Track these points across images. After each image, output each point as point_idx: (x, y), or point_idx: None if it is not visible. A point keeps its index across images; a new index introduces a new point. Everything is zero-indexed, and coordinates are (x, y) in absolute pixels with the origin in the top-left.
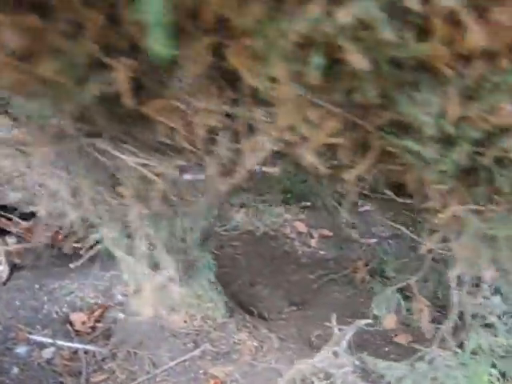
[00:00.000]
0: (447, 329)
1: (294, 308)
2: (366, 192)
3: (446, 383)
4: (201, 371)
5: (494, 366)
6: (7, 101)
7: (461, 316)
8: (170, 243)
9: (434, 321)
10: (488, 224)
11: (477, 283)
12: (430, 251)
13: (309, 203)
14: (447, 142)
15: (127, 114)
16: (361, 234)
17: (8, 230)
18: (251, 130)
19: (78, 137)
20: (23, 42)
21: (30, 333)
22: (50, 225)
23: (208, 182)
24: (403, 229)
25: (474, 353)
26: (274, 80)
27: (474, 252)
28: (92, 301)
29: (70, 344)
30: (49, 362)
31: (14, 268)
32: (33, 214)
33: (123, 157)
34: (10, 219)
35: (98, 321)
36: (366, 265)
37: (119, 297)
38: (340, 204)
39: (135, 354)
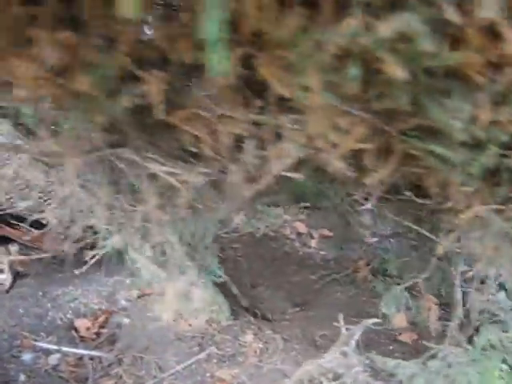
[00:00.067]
0: (455, 326)
1: (297, 309)
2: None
3: (458, 380)
4: (207, 374)
5: (504, 361)
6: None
7: (466, 313)
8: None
9: (438, 318)
10: (510, 223)
11: (482, 280)
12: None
13: (308, 204)
14: (476, 145)
15: (152, 124)
16: (362, 234)
17: (12, 238)
18: (277, 137)
19: (104, 147)
20: (61, 57)
21: (35, 340)
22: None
23: (232, 188)
24: (420, 229)
25: (483, 349)
26: (305, 89)
27: (496, 251)
28: (96, 307)
29: (75, 350)
30: (55, 368)
31: (16, 276)
32: (40, 223)
33: (148, 165)
34: (13, 227)
35: (102, 326)
36: (368, 264)
37: (123, 302)
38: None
39: (141, 358)
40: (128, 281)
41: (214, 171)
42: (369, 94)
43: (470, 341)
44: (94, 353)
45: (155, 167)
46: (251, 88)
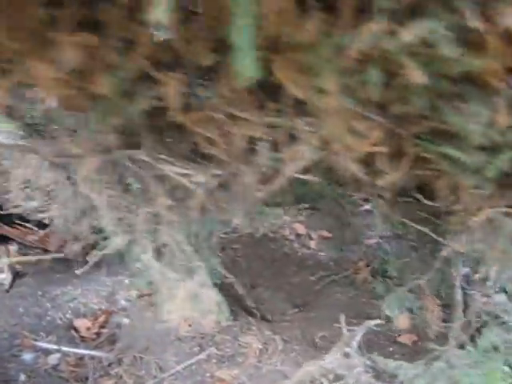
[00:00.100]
0: (457, 327)
1: (297, 310)
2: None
3: (461, 382)
4: (207, 374)
5: (506, 363)
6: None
7: (466, 315)
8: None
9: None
10: None
11: (483, 282)
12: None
13: (307, 205)
14: (492, 149)
15: (165, 125)
16: (361, 235)
17: (11, 237)
18: (291, 139)
19: (118, 148)
20: (81, 59)
21: (35, 339)
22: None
23: (244, 189)
24: (427, 230)
25: (486, 351)
26: (322, 92)
27: (504, 253)
28: (95, 306)
29: (75, 350)
30: (55, 368)
31: (16, 275)
32: (43, 224)
33: (161, 167)
34: (12, 227)
35: (102, 326)
36: (368, 265)
37: (122, 302)
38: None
39: (141, 358)
40: (127, 281)
41: (226, 172)
42: (385, 98)
43: (472, 342)
44: (94, 353)
45: (167, 168)
46: (266, 90)
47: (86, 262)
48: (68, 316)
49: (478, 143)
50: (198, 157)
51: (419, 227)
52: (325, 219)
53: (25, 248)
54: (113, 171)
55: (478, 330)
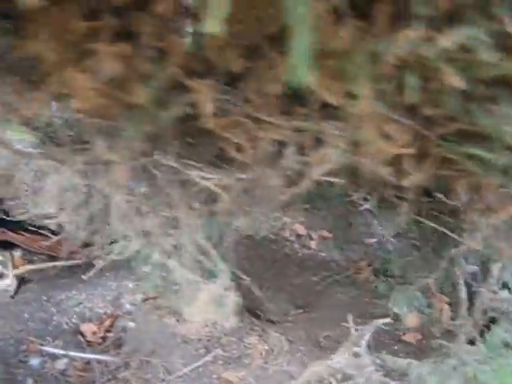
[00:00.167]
0: (464, 324)
1: (300, 310)
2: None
3: (472, 378)
4: (214, 376)
5: None
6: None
7: (473, 311)
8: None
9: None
10: None
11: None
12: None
13: (307, 205)
14: None
15: (195, 132)
16: (361, 234)
17: (15, 243)
18: (317, 142)
19: (147, 155)
20: (118, 69)
21: (42, 344)
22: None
23: (268, 193)
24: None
25: (497, 347)
26: (354, 97)
27: None
28: (101, 311)
29: (82, 355)
30: (63, 373)
31: (21, 281)
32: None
33: (187, 171)
34: (16, 232)
35: (108, 331)
36: (369, 265)
37: (128, 306)
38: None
39: (148, 362)
40: (131, 285)
41: (250, 176)
42: (417, 101)
43: (481, 337)
44: (101, 357)
45: (194, 173)
46: (293, 95)
47: (92, 267)
48: (74, 321)
49: (508, 144)
50: (222, 161)
51: (433, 225)
52: (325, 219)
53: (29, 254)
54: (139, 177)
55: (487, 327)
